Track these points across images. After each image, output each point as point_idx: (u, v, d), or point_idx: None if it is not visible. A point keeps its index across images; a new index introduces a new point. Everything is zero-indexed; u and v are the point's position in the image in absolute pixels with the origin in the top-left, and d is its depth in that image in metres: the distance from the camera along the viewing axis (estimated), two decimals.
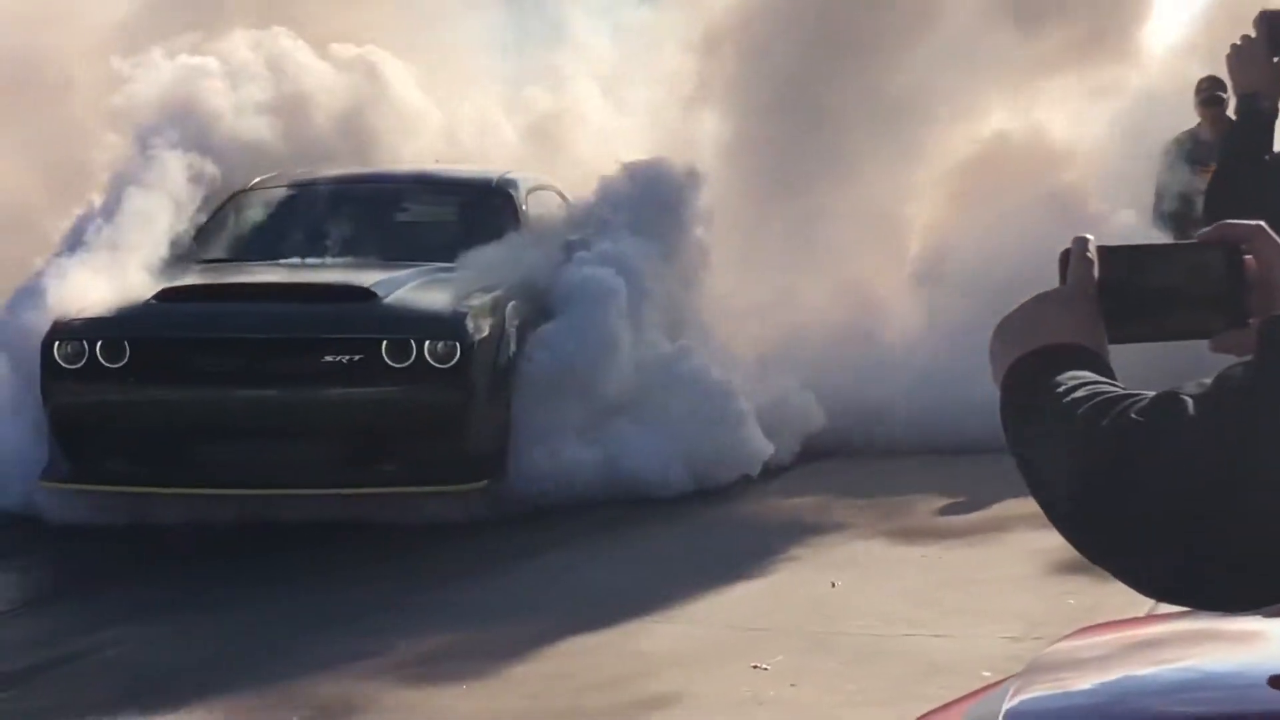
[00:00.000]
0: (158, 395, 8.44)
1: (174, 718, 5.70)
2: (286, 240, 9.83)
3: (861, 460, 9.72)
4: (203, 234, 9.81)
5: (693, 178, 10.12)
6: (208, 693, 5.95)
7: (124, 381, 8.42)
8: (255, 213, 10.17)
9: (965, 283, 10.25)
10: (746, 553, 7.73)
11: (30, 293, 8.94)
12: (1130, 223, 10.23)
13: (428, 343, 8.27)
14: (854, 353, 10.25)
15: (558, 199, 10.51)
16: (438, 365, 8.30)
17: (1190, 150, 10.57)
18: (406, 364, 8.29)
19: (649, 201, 9.86)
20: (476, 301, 8.66)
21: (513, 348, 8.76)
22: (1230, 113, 10.37)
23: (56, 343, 8.41)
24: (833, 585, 7.14)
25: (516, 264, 9.25)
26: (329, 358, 8.37)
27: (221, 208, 10.05)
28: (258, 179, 10.27)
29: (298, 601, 7.15)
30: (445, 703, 5.82)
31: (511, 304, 8.91)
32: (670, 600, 6.90)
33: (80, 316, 8.46)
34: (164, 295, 8.58)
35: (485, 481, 8.42)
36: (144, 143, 9.85)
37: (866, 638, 6.41)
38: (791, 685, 5.84)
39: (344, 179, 10.38)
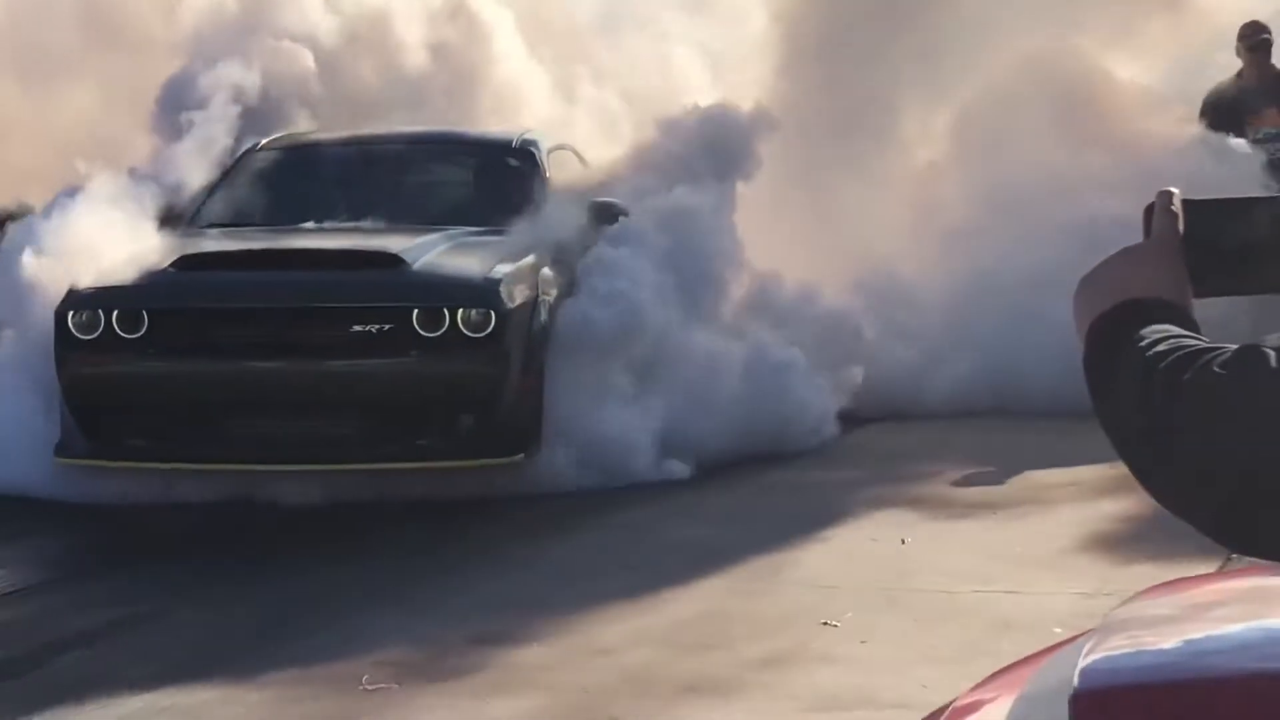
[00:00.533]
0: (178, 368, 8.08)
1: (229, 688, 5.53)
2: (302, 203, 9.46)
3: (911, 424, 9.51)
4: (214, 196, 9.43)
5: (760, 120, 9.77)
6: (275, 659, 5.76)
7: (142, 353, 8.05)
8: (268, 174, 9.75)
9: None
10: (811, 513, 7.65)
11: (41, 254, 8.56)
12: None
13: (461, 311, 7.93)
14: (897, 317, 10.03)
15: (576, 160, 10.13)
16: (471, 334, 7.96)
17: (1234, 99, 10.28)
18: (438, 333, 7.94)
19: (713, 147, 9.50)
20: (509, 267, 8.30)
21: (544, 316, 8.40)
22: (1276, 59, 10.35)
23: (71, 312, 8.04)
24: (902, 543, 7.10)
25: (547, 227, 8.89)
26: (357, 327, 8.01)
27: (232, 168, 9.65)
28: (268, 138, 9.88)
29: (357, 569, 6.96)
30: (522, 660, 5.73)
31: (544, 270, 8.56)
32: (739, 559, 6.88)
33: (95, 285, 8.07)
34: (182, 263, 8.20)
35: (521, 455, 8.09)
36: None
37: (937, 595, 6.40)
38: (862, 642, 5.79)
39: (359, 139, 9.99)
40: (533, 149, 9.62)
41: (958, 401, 9.55)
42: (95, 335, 8.02)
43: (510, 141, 9.81)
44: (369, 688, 5.42)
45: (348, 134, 10.02)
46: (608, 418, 8.38)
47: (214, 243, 8.74)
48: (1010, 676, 2.52)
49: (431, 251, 8.33)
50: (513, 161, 9.61)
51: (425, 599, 6.52)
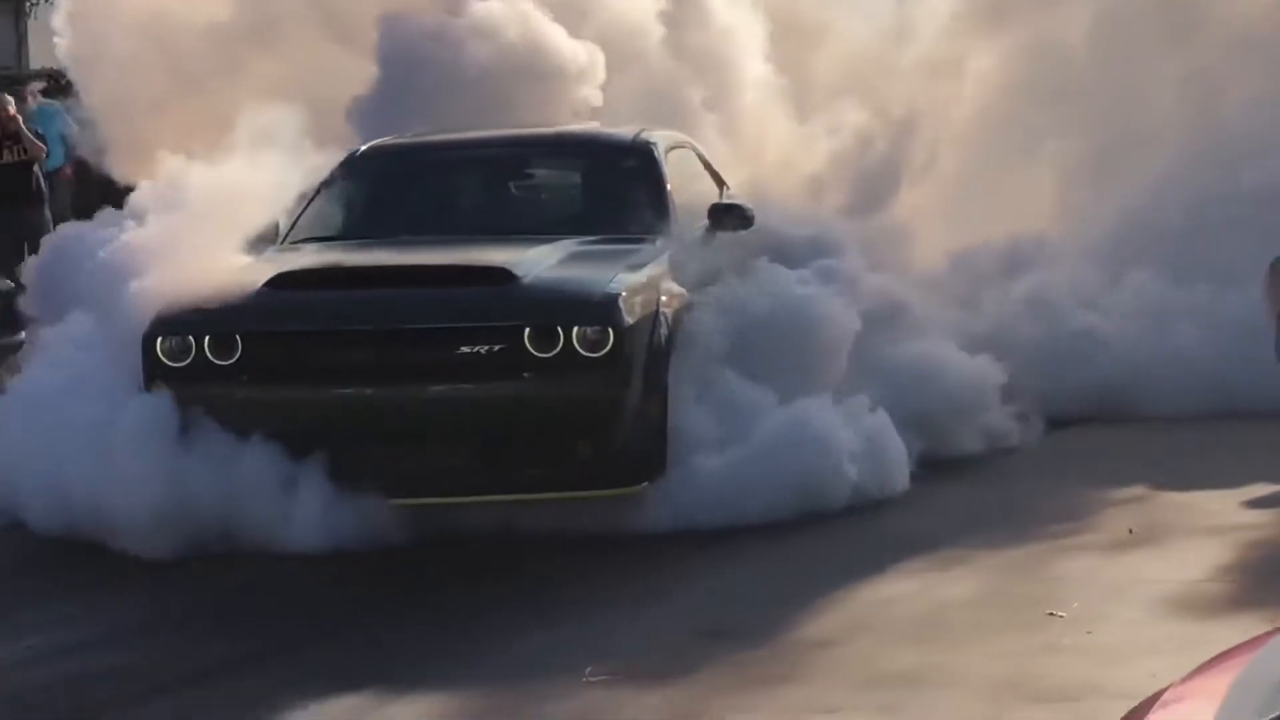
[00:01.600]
0: (273, 396, 7.53)
1: (455, 686, 5.68)
2: (403, 213, 8.86)
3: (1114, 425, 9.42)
4: (311, 207, 8.86)
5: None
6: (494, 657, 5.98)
7: (236, 380, 7.51)
8: (368, 182, 9.14)
9: None
10: (1031, 503, 7.75)
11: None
12: None
13: (576, 328, 7.30)
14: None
15: (697, 159, 9.45)
16: (588, 354, 7.33)
17: None
18: (553, 353, 7.32)
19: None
20: (628, 278, 7.64)
21: (666, 330, 7.73)
22: None
23: (160, 338, 7.50)
24: (1129, 532, 7.12)
25: (667, 233, 8.25)
26: (464, 349, 7.41)
27: (331, 177, 9.06)
28: (369, 144, 9.30)
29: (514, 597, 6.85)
30: (742, 655, 5.80)
31: (666, 280, 7.90)
32: (961, 548, 7.01)
33: (185, 307, 7.52)
34: (277, 282, 7.64)
35: (644, 484, 7.45)
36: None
37: (1165, 584, 6.41)
38: (1088, 633, 5.87)
39: (461, 142, 9.38)
40: (650, 148, 8.94)
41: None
42: (186, 362, 7.48)
43: (625, 140, 9.13)
44: (591, 680, 5.55)
45: (449, 137, 9.40)
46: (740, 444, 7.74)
47: (311, 259, 8.16)
48: (1225, 664, 2.68)
49: (543, 264, 7.71)
50: (629, 162, 8.94)
51: (649, 592, 6.73)
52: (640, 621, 6.34)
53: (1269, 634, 2.64)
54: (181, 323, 7.50)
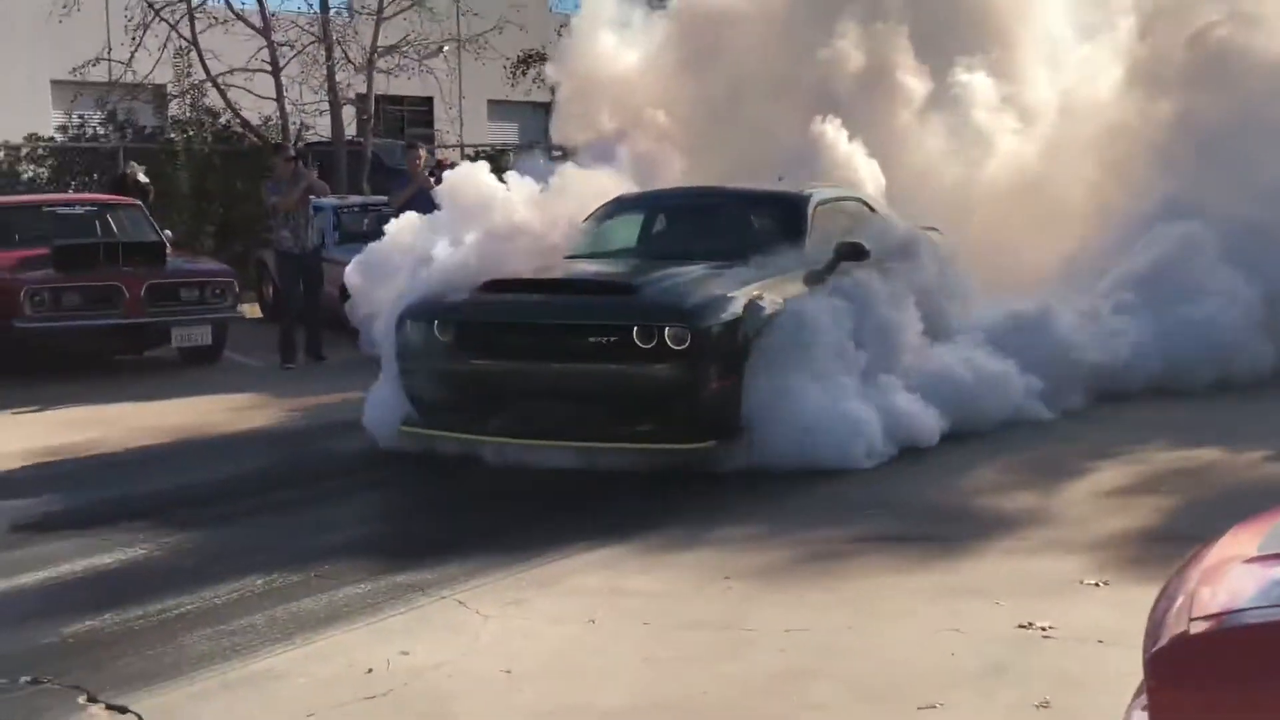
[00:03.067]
0: (475, 367, 10.90)
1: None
2: (631, 239, 12.23)
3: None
4: (580, 231, 12.37)
5: None
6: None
7: (453, 354, 10.96)
8: (615, 219, 12.64)
9: None
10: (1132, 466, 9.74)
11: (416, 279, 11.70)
12: None
13: (666, 328, 10.28)
14: None
15: (862, 208, 12.36)
16: (674, 347, 10.26)
17: None
18: (651, 345, 10.32)
19: None
20: (717, 292, 10.50)
21: (750, 331, 10.41)
22: None
23: (407, 320, 11.10)
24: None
25: (776, 261, 11.14)
26: (595, 339, 10.48)
27: (594, 213, 12.60)
28: (620, 195, 12.83)
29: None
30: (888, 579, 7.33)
31: (761, 294, 10.63)
32: (1065, 525, 8.39)
33: (423, 300, 11.10)
34: (487, 286, 11.07)
35: (713, 442, 10.35)
36: None
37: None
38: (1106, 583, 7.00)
39: (679, 193, 12.73)
40: (802, 203, 11.94)
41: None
42: (422, 339, 11.05)
43: (788, 196, 12.17)
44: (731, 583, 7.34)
45: (674, 189, 12.81)
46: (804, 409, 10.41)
47: (531, 269, 11.44)
48: (1268, 515, 3.32)
49: (661, 282, 10.75)
50: (778, 211, 11.96)
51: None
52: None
53: None
54: (421, 311, 11.05)
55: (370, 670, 6.14)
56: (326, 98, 29.14)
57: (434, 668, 6.16)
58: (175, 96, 30.53)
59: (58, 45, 29.75)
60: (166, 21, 28.47)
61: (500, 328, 10.87)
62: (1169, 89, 14.53)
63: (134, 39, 28.10)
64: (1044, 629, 6.39)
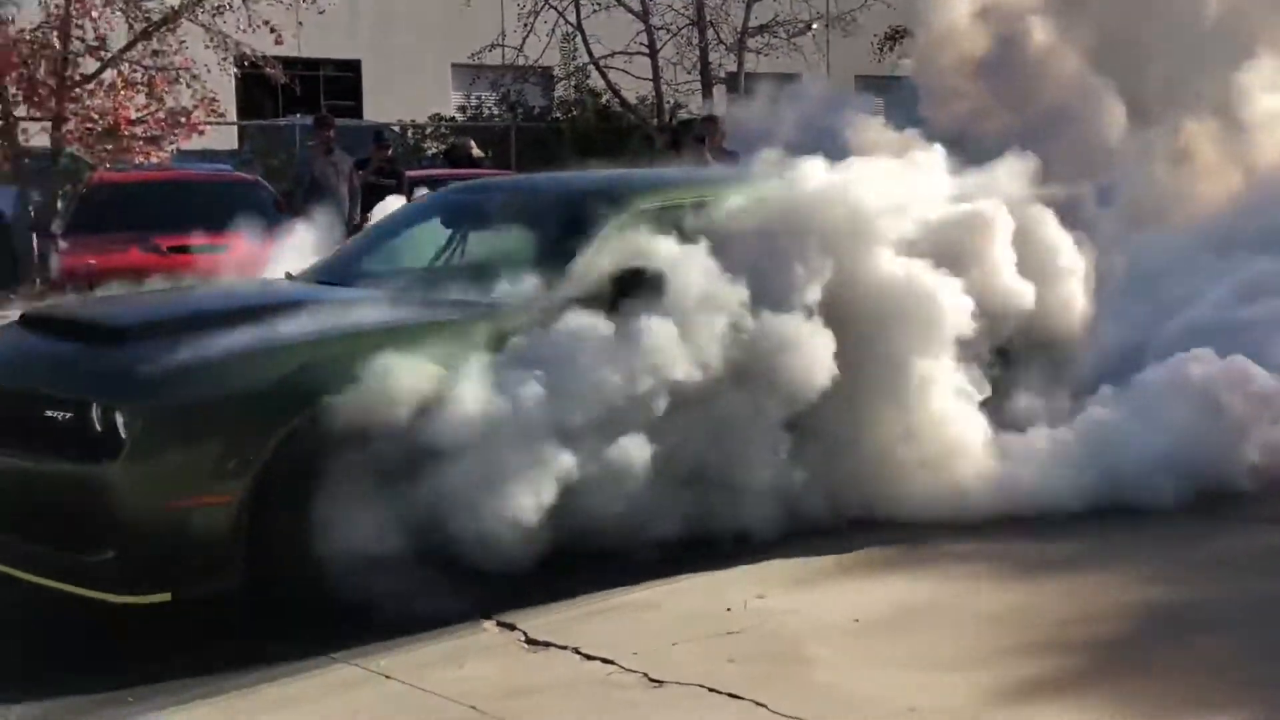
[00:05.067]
0: None
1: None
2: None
3: None
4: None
5: None
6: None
7: None
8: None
9: None
10: None
11: None
12: None
13: (105, 406, 6.59)
14: None
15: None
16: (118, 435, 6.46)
17: None
18: (103, 432, 6.56)
19: None
20: (253, 349, 6.98)
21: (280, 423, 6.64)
22: None
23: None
24: None
25: (494, 298, 8.01)
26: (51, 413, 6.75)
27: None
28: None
29: None
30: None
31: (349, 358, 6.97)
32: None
33: None
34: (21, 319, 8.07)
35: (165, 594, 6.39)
36: None
37: None
38: None
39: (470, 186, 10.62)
40: (583, 200, 8.71)
41: None
42: None
43: (576, 193, 9.02)
44: None
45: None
46: None
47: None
48: None
49: (166, 326, 7.34)
50: (561, 215, 8.76)
51: None
52: None
53: None
54: None
55: (729, 609, 6.64)
56: (699, 78, 30.08)
57: (787, 612, 6.62)
58: (561, 79, 32.04)
59: (460, 32, 31.70)
60: (554, 8, 29.89)
61: None
62: None
63: (526, 25, 29.59)
64: None
